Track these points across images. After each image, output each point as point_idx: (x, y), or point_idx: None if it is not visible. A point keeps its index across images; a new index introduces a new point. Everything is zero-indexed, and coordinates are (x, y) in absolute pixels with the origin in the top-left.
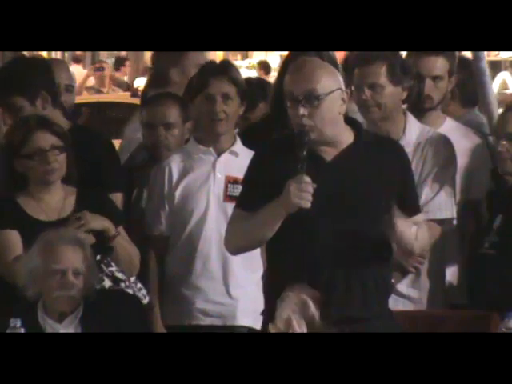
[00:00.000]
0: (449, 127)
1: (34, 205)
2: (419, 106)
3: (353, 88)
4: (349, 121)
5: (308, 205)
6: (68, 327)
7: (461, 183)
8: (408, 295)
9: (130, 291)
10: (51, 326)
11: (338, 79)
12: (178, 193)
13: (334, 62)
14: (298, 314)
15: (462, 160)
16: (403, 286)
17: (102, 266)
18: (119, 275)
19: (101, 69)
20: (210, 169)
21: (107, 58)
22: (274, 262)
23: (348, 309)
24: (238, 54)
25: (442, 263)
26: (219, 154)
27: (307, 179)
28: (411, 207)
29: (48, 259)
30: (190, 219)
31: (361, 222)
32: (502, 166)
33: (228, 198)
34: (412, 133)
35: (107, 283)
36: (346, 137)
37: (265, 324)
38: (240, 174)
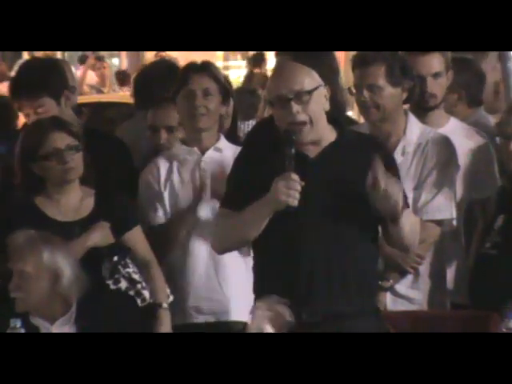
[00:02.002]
0: (453, 127)
1: (51, 205)
2: (423, 105)
3: (353, 89)
4: (331, 119)
5: (295, 203)
6: (61, 328)
7: (465, 183)
8: (408, 296)
9: (146, 292)
10: (44, 327)
11: (317, 78)
12: (166, 192)
13: (334, 62)
14: (272, 325)
15: (466, 160)
16: (403, 287)
17: (119, 267)
18: (136, 277)
19: (101, 58)
20: (196, 167)
21: (107, 58)
22: (261, 259)
23: (329, 305)
24: (238, 54)
25: (442, 263)
26: (203, 152)
27: (295, 177)
28: None
29: (11, 259)
30: (179, 217)
31: (342, 220)
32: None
33: (214, 194)
34: (413, 133)
35: (124, 284)
36: (329, 135)
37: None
38: (225, 170)
